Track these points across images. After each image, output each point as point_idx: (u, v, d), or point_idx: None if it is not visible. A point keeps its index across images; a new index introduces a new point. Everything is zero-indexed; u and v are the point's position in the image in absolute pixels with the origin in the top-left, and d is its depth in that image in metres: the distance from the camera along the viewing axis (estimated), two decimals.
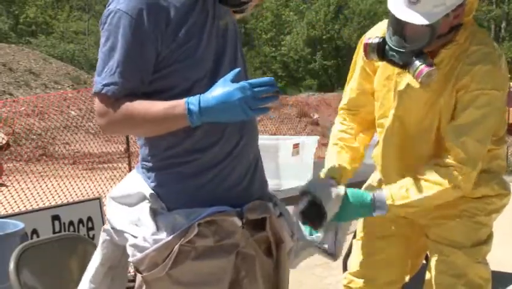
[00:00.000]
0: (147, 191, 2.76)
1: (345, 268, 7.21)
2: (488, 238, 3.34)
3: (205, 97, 2.45)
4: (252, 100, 2.40)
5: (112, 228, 2.86)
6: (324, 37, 56.04)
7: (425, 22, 2.92)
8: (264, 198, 2.95)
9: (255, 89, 2.41)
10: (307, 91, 44.58)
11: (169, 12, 2.67)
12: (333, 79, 58.67)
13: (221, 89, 2.45)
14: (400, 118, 3.20)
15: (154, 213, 2.71)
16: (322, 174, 3.44)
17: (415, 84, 3.04)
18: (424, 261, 4.05)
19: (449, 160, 3.09)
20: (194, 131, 2.69)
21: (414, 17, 2.94)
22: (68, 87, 29.13)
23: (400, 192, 3.09)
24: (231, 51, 2.91)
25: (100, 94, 2.62)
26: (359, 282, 3.48)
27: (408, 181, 3.12)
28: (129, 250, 2.71)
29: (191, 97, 2.49)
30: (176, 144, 2.77)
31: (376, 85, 3.37)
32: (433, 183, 3.05)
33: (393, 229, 3.46)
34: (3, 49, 31.83)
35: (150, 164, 2.83)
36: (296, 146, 4.59)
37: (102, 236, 2.95)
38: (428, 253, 3.56)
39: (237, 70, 2.54)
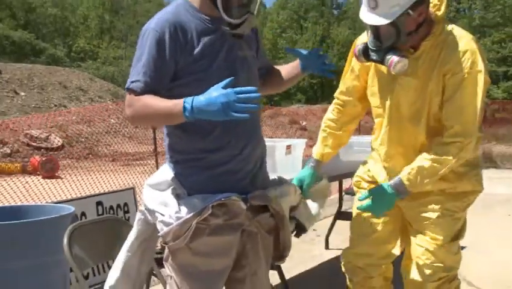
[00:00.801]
0: (173, 179, 2.85)
1: (327, 245, 7.20)
2: (463, 229, 3.29)
3: (198, 98, 2.47)
4: (234, 104, 2.39)
5: (146, 209, 2.93)
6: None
7: (385, 22, 2.90)
8: (265, 188, 2.98)
9: (238, 95, 2.41)
10: (297, 104, 44.55)
11: (189, 33, 2.76)
12: (318, 94, 59.21)
13: (211, 93, 2.46)
14: (395, 106, 3.16)
15: (177, 197, 2.80)
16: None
17: (404, 75, 3.02)
18: None
19: (449, 138, 3.03)
20: (206, 136, 2.80)
21: (376, 20, 2.93)
22: (109, 100, 29.12)
23: (413, 177, 3.05)
24: (244, 75, 2.89)
25: (129, 89, 2.72)
26: (359, 257, 3.42)
27: (417, 163, 3.06)
28: (158, 226, 2.82)
29: (189, 97, 2.50)
30: (191, 145, 2.85)
31: (371, 81, 3.34)
32: (440, 161, 3.00)
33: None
34: (60, 71, 31.86)
35: (173, 159, 2.90)
36: (288, 147, 4.60)
37: (138, 216, 3.04)
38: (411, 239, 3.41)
39: (230, 78, 2.51)
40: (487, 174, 14.21)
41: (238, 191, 2.80)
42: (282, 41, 62.43)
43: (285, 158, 4.43)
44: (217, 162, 2.84)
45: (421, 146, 3.21)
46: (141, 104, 2.65)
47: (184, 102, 2.49)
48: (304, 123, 27.11)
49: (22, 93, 25.48)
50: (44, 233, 3.84)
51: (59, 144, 19.74)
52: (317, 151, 3.52)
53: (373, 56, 3.05)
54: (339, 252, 6.71)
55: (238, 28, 2.79)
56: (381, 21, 2.92)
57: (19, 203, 5.86)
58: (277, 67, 3.46)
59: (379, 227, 3.37)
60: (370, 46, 3.06)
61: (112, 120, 21.60)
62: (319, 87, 58.88)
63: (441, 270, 3.18)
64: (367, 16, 2.97)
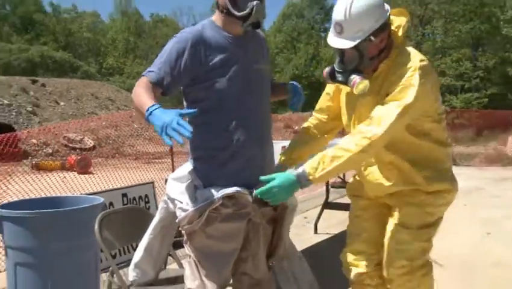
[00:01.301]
0: (191, 173, 2.87)
1: (315, 230, 7.20)
2: (435, 224, 3.08)
3: (158, 110, 2.49)
4: (169, 128, 2.38)
5: (168, 198, 2.92)
6: (303, 75, 56.16)
7: (348, 46, 2.79)
8: None
9: (175, 125, 2.38)
10: (290, 111, 44.55)
11: (210, 47, 2.80)
12: (308, 104, 59.01)
13: (168, 112, 2.46)
14: (359, 120, 2.99)
15: (195, 188, 2.83)
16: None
17: (365, 94, 2.87)
18: None
19: (356, 130, 2.83)
20: (218, 135, 2.84)
21: (341, 43, 2.82)
22: (133, 108, 29.11)
23: (317, 165, 2.73)
24: (257, 86, 2.93)
25: (143, 75, 2.78)
26: (353, 255, 3.26)
27: (324, 153, 2.76)
28: (177, 212, 2.82)
29: (156, 105, 2.52)
30: (205, 143, 2.87)
31: (341, 100, 3.21)
32: (344, 150, 2.71)
33: (374, 211, 3.24)
34: (92, 85, 32.02)
35: (193, 156, 2.92)
36: (283, 147, 4.59)
37: (161, 205, 3.05)
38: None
39: (193, 110, 2.58)
40: None
41: (247, 185, 2.79)
42: (279, 59, 62.49)
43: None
44: (228, 160, 2.83)
45: (387, 161, 3.01)
46: (137, 90, 2.70)
47: (150, 107, 2.50)
48: (296, 128, 27.14)
49: (62, 103, 25.53)
50: (79, 220, 3.83)
51: (92, 145, 19.86)
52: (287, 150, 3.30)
53: (339, 77, 2.95)
54: (326, 236, 6.78)
55: (250, 17, 2.76)
56: (346, 44, 2.81)
57: (58, 195, 5.84)
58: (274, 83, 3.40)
59: (369, 227, 3.25)
60: (336, 68, 2.97)
61: (135, 125, 21.76)
62: (309, 98, 59.00)
63: (402, 256, 3.00)
64: (333, 41, 2.87)
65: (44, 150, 18.66)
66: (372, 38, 2.77)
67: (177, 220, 2.83)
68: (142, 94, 2.65)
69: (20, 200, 4.54)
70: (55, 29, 64.77)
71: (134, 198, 6.02)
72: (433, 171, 2.97)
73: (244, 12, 2.75)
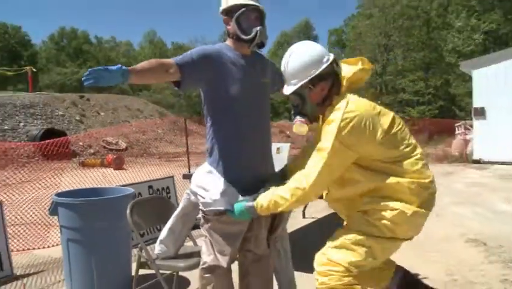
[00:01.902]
0: (209, 168, 2.84)
1: (303, 215, 7.12)
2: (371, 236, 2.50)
3: (114, 69, 2.41)
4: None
5: (191, 191, 2.92)
6: None
7: (288, 92, 2.62)
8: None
9: (90, 69, 2.38)
10: (284, 119, 44.50)
11: (224, 60, 2.78)
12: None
13: (108, 71, 2.39)
14: None
15: (214, 182, 2.79)
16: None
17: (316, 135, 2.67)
18: None
19: (298, 174, 2.52)
20: (227, 143, 2.81)
21: (284, 90, 2.67)
22: (157, 117, 29.12)
23: (264, 200, 2.54)
24: (258, 96, 2.90)
25: (173, 59, 2.70)
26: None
27: (273, 190, 2.55)
28: (201, 205, 2.83)
29: (124, 69, 2.44)
30: (216, 147, 2.83)
31: None
32: (284, 199, 2.48)
33: None
34: (126, 98, 32.03)
35: (208, 155, 2.89)
36: (278, 149, 4.55)
37: (184, 195, 3.03)
38: None
39: (118, 66, 2.44)
40: None
41: (252, 181, 2.77)
42: None
43: (276, 156, 4.37)
44: (237, 155, 2.81)
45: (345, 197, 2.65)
46: (163, 62, 2.66)
47: (124, 67, 2.44)
48: (288, 133, 27.14)
49: (102, 113, 25.47)
50: (115, 206, 3.84)
51: (125, 146, 19.82)
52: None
53: (292, 116, 2.73)
54: (312, 220, 6.76)
55: (255, 39, 2.78)
56: (287, 91, 2.65)
57: (99, 186, 5.83)
58: None
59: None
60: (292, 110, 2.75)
61: (159, 131, 21.85)
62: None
63: (333, 244, 2.58)
64: (284, 88, 2.70)
65: (88, 151, 18.64)
66: (311, 86, 2.56)
67: (201, 208, 2.83)
68: (146, 62, 2.65)
69: (70, 190, 4.54)
70: (98, 56, 65.64)
71: (158, 189, 6.00)
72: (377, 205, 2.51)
73: (250, 36, 2.76)
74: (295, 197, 2.48)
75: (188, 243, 3.74)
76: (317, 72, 2.54)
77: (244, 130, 2.81)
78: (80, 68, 57.51)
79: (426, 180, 2.51)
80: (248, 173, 2.80)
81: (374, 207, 2.49)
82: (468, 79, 27.53)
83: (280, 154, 4.40)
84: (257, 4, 2.80)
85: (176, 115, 31.06)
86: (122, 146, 19.84)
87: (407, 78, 46.05)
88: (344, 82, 2.62)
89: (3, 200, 5.50)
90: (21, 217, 6.38)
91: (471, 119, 15.48)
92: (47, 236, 5.80)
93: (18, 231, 5.90)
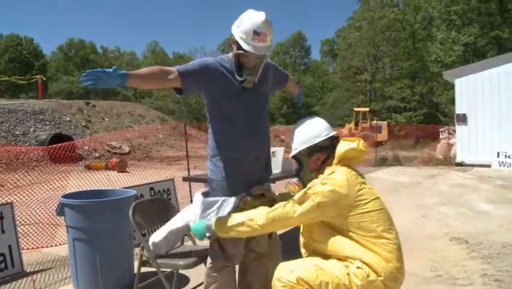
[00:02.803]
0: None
1: None
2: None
3: (112, 71, 2.40)
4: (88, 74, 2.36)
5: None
6: (288, 97, 55.51)
7: (290, 155, 2.73)
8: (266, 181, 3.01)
9: (89, 70, 2.38)
10: (279, 124, 44.51)
11: (223, 71, 2.77)
12: (292, 118, 58.13)
13: (106, 74, 2.39)
14: None
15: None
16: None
17: None
18: None
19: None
20: (226, 147, 2.83)
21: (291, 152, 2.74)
22: (159, 122, 29.12)
23: (221, 222, 2.61)
24: (257, 105, 2.90)
25: (175, 67, 2.70)
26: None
27: (234, 216, 2.62)
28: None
29: (123, 72, 2.45)
30: (215, 153, 2.86)
31: None
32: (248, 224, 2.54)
33: None
34: (129, 105, 32.02)
35: (209, 159, 2.93)
36: (273, 152, 4.53)
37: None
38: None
39: (114, 68, 2.45)
40: (396, 170, 14.22)
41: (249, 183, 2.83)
42: None
43: (272, 159, 4.37)
44: (233, 170, 2.83)
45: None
46: (164, 70, 2.69)
47: (121, 70, 2.46)
48: (283, 137, 27.14)
49: (106, 119, 25.43)
50: (118, 207, 3.82)
51: (128, 150, 19.79)
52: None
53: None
54: None
55: (243, 83, 2.77)
56: (290, 154, 2.74)
57: (103, 188, 5.82)
58: (292, 80, 3.42)
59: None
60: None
61: (160, 136, 21.84)
62: (292, 114, 58.46)
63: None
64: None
65: (94, 155, 18.59)
66: (308, 155, 2.68)
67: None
68: (148, 68, 2.66)
69: (76, 192, 4.52)
70: (103, 65, 65.12)
71: (159, 191, 5.98)
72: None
73: (240, 78, 2.76)
74: (249, 229, 2.54)
75: (188, 242, 3.74)
76: (312, 144, 2.66)
77: (241, 138, 2.81)
78: None
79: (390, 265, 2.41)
80: (245, 177, 2.82)
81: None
82: (450, 88, 27.70)
83: (276, 157, 4.38)
84: (260, 54, 2.71)
85: (177, 121, 31.01)
86: (125, 150, 19.80)
87: (394, 86, 46.30)
88: (336, 156, 2.66)
89: (14, 201, 5.48)
90: (31, 217, 6.36)
91: (454, 124, 15.53)
92: (55, 235, 5.78)
93: (28, 230, 5.88)
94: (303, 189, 2.51)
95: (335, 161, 2.64)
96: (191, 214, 2.84)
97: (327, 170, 2.56)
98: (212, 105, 2.87)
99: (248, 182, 2.84)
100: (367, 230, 2.43)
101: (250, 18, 2.64)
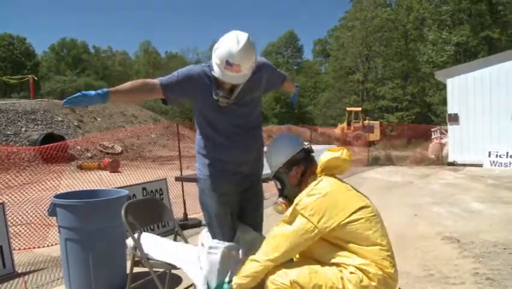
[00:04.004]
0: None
1: None
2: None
3: (91, 94, 2.44)
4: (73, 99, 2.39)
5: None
6: (281, 97, 55.20)
7: (271, 177, 2.80)
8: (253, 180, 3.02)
9: (69, 98, 2.40)
10: (271, 124, 44.45)
11: (204, 83, 2.73)
12: (284, 118, 58.11)
13: (87, 97, 2.42)
14: None
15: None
16: None
17: None
18: None
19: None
20: (215, 143, 2.85)
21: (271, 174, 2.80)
22: (151, 122, 29.05)
23: (240, 279, 2.59)
24: (244, 111, 2.87)
25: (159, 79, 2.71)
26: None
27: (246, 267, 2.60)
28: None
29: (104, 91, 2.48)
30: (203, 153, 2.90)
31: None
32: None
33: None
34: (121, 105, 31.75)
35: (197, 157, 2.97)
36: (266, 152, 4.54)
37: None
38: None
39: (104, 90, 2.50)
40: (388, 169, 14.27)
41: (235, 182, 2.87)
42: None
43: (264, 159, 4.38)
44: (222, 162, 2.85)
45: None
46: (149, 84, 2.68)
47: (103, 90, 2.49)
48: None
49: (99, 119, 25.34)
50: (110, 207, 3.80)
51: (120, 150, 19.73)
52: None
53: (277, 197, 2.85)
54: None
55: (218, 101, 2.73)
56: (271, 176, 2.80)
57: (96, 188, 5.80)
58: (289, 80, 3.39)
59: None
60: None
61: (152, 135, 21.79)
62: (285, 114, 58.32)
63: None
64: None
65: (86, 155, 18.51)
66: (287, 170, 2.70)
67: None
68: (130, 82, 2.65)
69: (68, 192, 4.50)
70: (96, 65, 65.47)
71: (151, 191, 5.96)
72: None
73: (215, 96, 2.71)
74: (262, 267, 2.53)
75: (180, 242, 3.72)
76: (288, 159, 2.70)
77: (225, 144, 2.84)
78: (78, 76, 57.39)
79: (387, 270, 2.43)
80: (230, 177, 2.86)
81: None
82: (442, 88, 27.84)
83: None
84: (232, 83, 2.66)
85: (169, 121, 30.86)
86: (118, 150, 19.74)
87: (387, 86, 46.43)
88: (319, 165, 2.69)
89: (6, 201, 5.44)
90: (22, 217, 6.31)
91: (446, 124, 15.61)
92: (47, 236, 5.75)
93: (20, 231, 5.85)
94: (291, 207, 2.51)
95: (318, 170, 2.67)
96: (194, 258, 2.90)
97: (312, 182, 2.58)
98: (197, 112, 2.90)
99: (234, 181, 2.87)
100: (359, 238, 2.44)
101: (226, 47, 2.55)
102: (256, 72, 2.79)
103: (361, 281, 2.37)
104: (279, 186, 2.80)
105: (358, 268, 2.39)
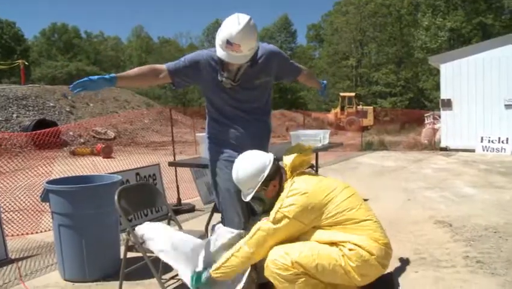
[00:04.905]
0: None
1: None
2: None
3: (98, 79, 2.55)
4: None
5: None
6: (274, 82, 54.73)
7: (247, 199, 2.72)
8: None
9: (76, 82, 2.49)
10: None
11: (211, 67, 2.86)
12: (277, 104, 58.08)
13: (93, 82, 2.53)
14: None
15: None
16: None
17: None
18: None
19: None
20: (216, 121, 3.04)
21: (244, 198, 2.76)
22: (144, 107, 28.92)
23: (216, 268, 2.65)
24: (246, 98, 2.96)
25: (166, 65, 2.84)
26: None
27: (224, 256, 2.67)
28: None
29: (111, 77, 2.61)
30: (213, 131, 3.07)
31: None
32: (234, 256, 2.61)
33: None
34: (113, 90, 31.37)
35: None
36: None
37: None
38: None
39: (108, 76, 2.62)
40: (381, 154, 14.32)
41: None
42: None
43: None
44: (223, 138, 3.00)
45: None
46: (156, 68, 2.85)
47: (111, 75, 2.63)
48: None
49: (91, 104, 25.17)
50: (104, 192, 3.79)
51: (113, 136, 19.65)
52: None
53: (259, 216, 2.83)
54: None
55: (222, 82, 2.85)
56: (246, 198, 2.74)
57: (89, 174, 5.79)
58: (309, 75, 3.45)
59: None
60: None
61: (146, 121, 21.75)
62: (278, 99, 58.15)
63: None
64: (243, 196, 2.77)
65: (79, 140, 18.44)
66: (264, 188, 2.69)
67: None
68: (138, 68, 2.79)
69: (61, 178, 4.50)
70: (87, 50, 64.88)
71: (145, 176, 5.95)
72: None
73: (219, 77, 2.83)
74: (242, 259, 2.60)
75: (174, 227, 3.73)
76: (265, 176, 2.67)
77: (228, 127, 2.98)
78: (70, 62, 56.85)
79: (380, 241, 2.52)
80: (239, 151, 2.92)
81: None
82: (435, 73, 27.87)
83: None
84: (233, 62, 2.76)
85: (162, 106, 30.76)
86: (111, 136, 19.66)
87: (380, 71, 46.42)
88: (287, 169, 2.73)
89: None
90: (15, 204, 6.30)
91: (439, 110, 15.66)
92: (40, 222, 5.74)
93: (13, 217, 5.83)
94: (274, 210, 2.55)
95: (288, 174, 2.73)
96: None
97: (287, 185, 2.63)
98: (204, 94, 3.04)
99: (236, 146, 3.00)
100: (347, 219, 2.52)
101: (226, 27, 2.66)
102: (262, 57, 2.91)
103: (362, 256, 2.44)
104: (257, 207, 2.80)
105: (355, 244, 2.46)
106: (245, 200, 2.75)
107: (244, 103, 2.96)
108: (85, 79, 2.46)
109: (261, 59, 2.91)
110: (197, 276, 2.73)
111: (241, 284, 2.69)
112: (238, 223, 2.97)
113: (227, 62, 2.76)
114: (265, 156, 2.75)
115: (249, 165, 2.70)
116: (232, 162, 2.83)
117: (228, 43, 2.64)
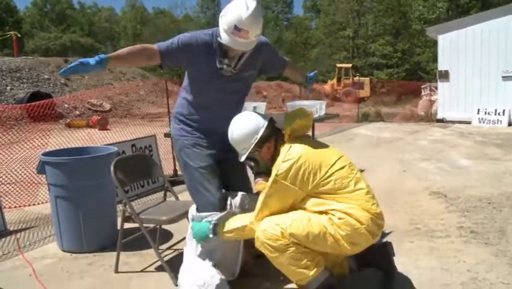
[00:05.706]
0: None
1: None
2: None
3: (90, 60, 2.45)
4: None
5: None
6: None
7: (242, 159, 2.71)
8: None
9: (65, 68, 2.42)
10: (260, 81, 44.06)
11: (204, 51, 2.72)
12: (273, 76, 57.74)
13: (85, 64, 2.43)
14: None
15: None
16: None
17: None
18: None
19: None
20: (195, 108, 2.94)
21: (239, 158, 2.73)
22: (139, 79, 28.71)
23: (226, 225, 2.69)
24: (231, 89, 2.88)
25: (157, 45, 2.71)
26: None
27: (234, 219, 2.71)
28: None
29: (102, 56, 2.50)
30: (187, 112, 2.98)
31: None
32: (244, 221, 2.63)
33: None
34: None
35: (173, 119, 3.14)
36: (254, 108, 4.55)
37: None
38: None
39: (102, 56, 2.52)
40: (378, 126, 14.33)
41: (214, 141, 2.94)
42: None
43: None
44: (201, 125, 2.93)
45: None
46: (137, 45, 2.73)
47: (103, 55, 2.53)
48: (265, 93, 27.12)
49: (86, 76, 24.91)
50: (100, 164, 3.77)
51: (109, 108, 19.58)
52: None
53: (253, 177, 2.89)
54: None
55: (221, 70, 2.74)
56: (240, 158, 2.73)
57: (85, 145, 5.77)
58: (293, 66, 3.34)
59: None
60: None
61: (141, 92, 21.67)
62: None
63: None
64: (239, 156, 2.76)
65: (74, 113, 18.35)
66: (258, 149, 2.68)
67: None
68: (129, 48, 2.67)
69: (57, 150, 4.49)
70: (81, 21, 64.15)
71: (141, 148, 5.94)
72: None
73: (219, 66, 2.72)
74: (249, 232, 2.64)
75: (170, 198, 3.75)
76: (258, 137, 2.66)
77: (209, 114, 2.91)
78: (63, 33, 56.13)
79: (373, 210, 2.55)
80: (210, 136, 2.93)
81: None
82: (432, 45, 27.67)
83: (258, 111, 4.41)
84: (239, 49, 2.66)
85: (158, 78, 30.51)
86: (106, 108, 19.58)
87: (377, 43, 46.11)
88: (285, 132, 2.69)
89: None
90: (11, 176, 6.30)
91: (436, 81, 15.61)
92: (37, 194, 5.76)
93: (9, 189, 5.84)
94: (271, 177, 2.55)
95: (286, 137, 2.69)
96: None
97: (283, 149, 2.62)
98: (189, 79, 2.91)
99: (212, 138, 2.96)
100: (340, 187, 2.53)
101: (235, 11, 2.51)
102: (255, 49, 2.76)
103: (351, 224, 2.46)
104: (252, 166, 2.83)
105: (345, 212, 2.48)
106: (240, 160, 2.73)
107: (230, 94, 2.88)
108: (77, 63, 2.39)
109: (254, 51, 2.77)
110: (203, 224, 2.79)
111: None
112: (213, 201, 2.86)
113: (229, 48, 2.64)
114: (260, 118, 2.74)
115: (244, 125, 2.70)
116: (200, 145, 2.88)
117: (236, 29, 2.51)
